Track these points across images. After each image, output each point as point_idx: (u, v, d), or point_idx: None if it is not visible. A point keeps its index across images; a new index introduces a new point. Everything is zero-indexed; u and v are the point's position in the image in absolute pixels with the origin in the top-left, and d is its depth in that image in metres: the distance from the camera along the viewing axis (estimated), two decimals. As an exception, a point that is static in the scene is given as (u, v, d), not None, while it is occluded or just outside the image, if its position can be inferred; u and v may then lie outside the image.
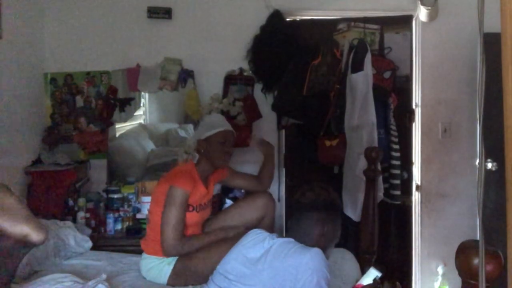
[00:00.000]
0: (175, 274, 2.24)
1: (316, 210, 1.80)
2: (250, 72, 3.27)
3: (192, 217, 2.35)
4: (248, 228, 2.19)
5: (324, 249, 1.76)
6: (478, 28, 0.97)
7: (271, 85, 3.24)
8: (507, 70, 0.93)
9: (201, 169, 2.42)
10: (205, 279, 2.02)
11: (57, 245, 2.45)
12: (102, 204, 3.05)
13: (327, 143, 3.02)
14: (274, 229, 2.63)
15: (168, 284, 2.25)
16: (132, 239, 2.85)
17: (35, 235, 1.56)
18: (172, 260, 2.25)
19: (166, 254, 2.24)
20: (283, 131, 3.33)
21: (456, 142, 3.34)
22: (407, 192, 3.24)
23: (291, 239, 1.79)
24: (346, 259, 2.44)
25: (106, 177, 3.30)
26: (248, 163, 3.09)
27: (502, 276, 1.23)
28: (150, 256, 2.31)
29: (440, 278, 3.31)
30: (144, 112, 3.73)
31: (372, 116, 2.85)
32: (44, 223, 2.51)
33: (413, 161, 3.31)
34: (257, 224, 2.44)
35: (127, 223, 2.97)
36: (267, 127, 3.27)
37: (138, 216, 3.00)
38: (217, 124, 2.46)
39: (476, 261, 1.48)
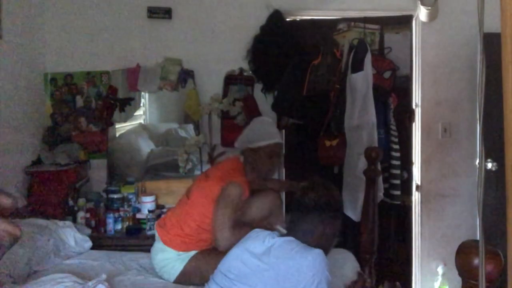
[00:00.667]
0: (183, 273, 2.23)
1: (317, 210, 1.80)
2: (250, 72, 3.27)
3: None
4: (253, 226, 2.18)
5: (325, 249, 1.75)
6: (478, 28, 0.97)
7: (271, 85, 3.24)
8: (507, 70, 0.93)
9: (247, 174, 2.36)
10: (208, 280, 2.02)
11: (57, 245, 2.45)
12: (102, 204, 3.05)
13: (327, 143, 3.01)
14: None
15: (174, 282, 2.23)
16: (132, 239, 2.86)
17: (5, 199, 1.68)
18: (186, 258, 2.23)
19: (220, 248, 2.16)
20: (283, 131, 3.33)
21: (456, 142, 3.34)
22: (407, 192, 3.23)
23: (292, 238, 1.78)
24: (346, 259, 2.44)
25: (106, 177, 3.30)
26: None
27: (502, 276, 1.23)
28: (167, 248, 2.26)
29: (440, 278, 3.31)
30: (144, 112, 3.73)
31: (372, 116, 2.85)
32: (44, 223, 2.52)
33: (413, 161, 3.31)
34: (263, 222, 2.42)
35: (127, 223, 2.97)
36: (267, 127, 3.26)
37: (138, 216, 2.99)
38: (269, 134, 2.37)
39: (476, 261, 1.48)
